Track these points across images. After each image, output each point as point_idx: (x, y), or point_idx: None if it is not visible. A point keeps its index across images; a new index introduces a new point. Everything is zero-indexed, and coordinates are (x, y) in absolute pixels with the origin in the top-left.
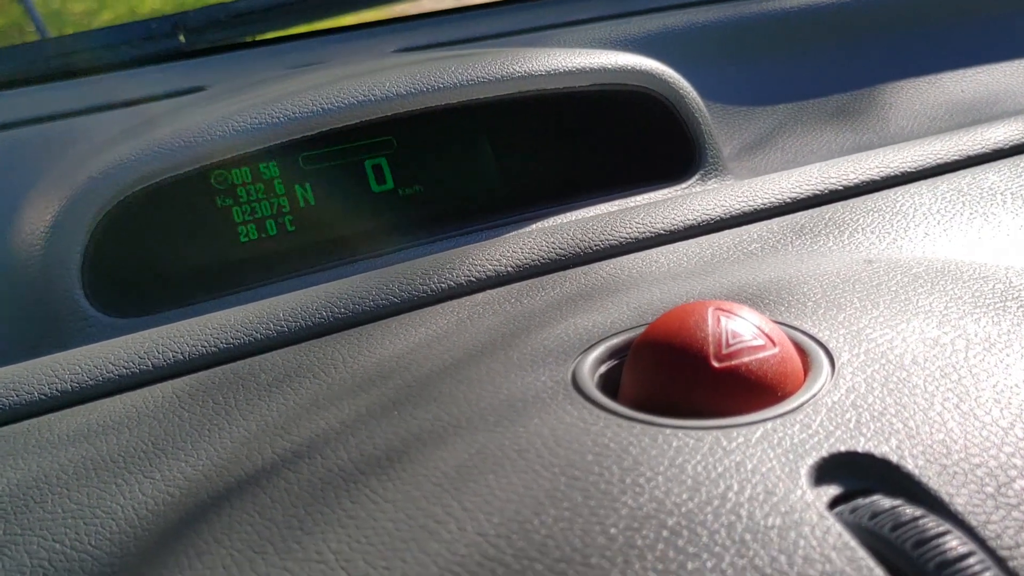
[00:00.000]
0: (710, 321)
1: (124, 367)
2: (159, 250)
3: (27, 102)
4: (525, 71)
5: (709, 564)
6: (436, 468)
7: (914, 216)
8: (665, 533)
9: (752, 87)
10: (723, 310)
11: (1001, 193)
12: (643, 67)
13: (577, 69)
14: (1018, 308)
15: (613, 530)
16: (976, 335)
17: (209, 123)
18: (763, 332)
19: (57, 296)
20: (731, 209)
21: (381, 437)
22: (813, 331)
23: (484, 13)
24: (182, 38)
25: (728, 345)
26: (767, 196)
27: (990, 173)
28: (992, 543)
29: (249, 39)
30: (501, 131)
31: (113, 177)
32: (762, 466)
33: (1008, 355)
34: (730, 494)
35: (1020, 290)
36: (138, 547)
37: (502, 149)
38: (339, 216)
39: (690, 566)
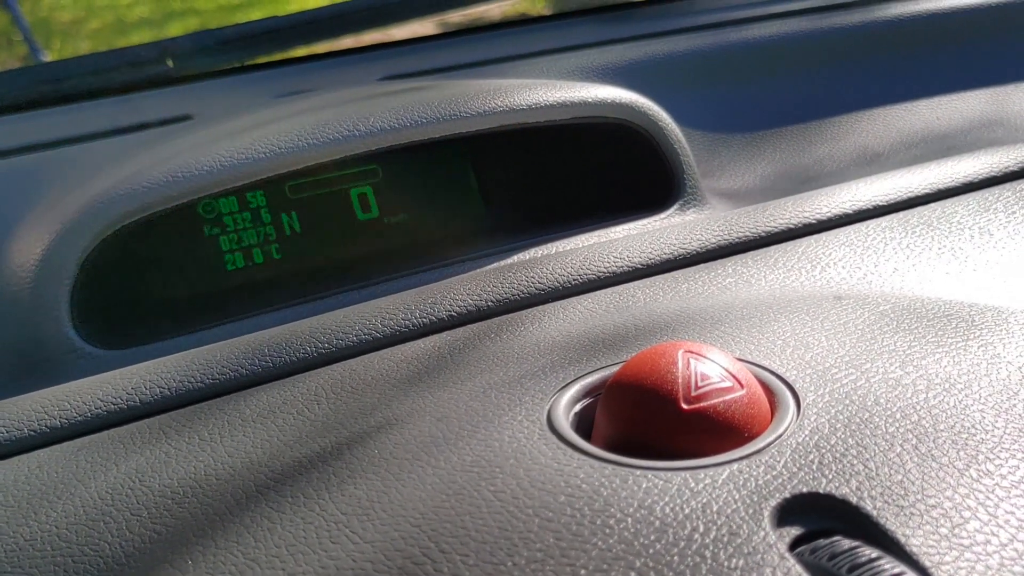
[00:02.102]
0: (680, 363)
1: (112, 403)
2: (148, 282)
3: (13, 130)
4: (507, 105)
5: None
6: (415, 509)
7: (884, 250)
8: (632, 575)
9: (730, 114)
10: (692, 352)
11: (969, 228)
12: (623, 100)
13: (558, 103)
14: (979, 348)
15: (583, 572)
16: (937, 375)
17: (196, 158)
18: (731, 374)
19: (47, 329)
20: (707, 243)
21: (361, 476)
22: (781, 371)
23: (466, 40)
24: (170, 63)
25: (697, 387)
26: (742, 230)
27: (959, 207)
28: None
29: (237, 64)
30: (485, 161)
31: (102, 211)
32: (727, 508)
33: (966, 396)
34: (696, 535)
35: (982, 329)
36: None
37: (486, 179)
38: (325, 244)
39: None
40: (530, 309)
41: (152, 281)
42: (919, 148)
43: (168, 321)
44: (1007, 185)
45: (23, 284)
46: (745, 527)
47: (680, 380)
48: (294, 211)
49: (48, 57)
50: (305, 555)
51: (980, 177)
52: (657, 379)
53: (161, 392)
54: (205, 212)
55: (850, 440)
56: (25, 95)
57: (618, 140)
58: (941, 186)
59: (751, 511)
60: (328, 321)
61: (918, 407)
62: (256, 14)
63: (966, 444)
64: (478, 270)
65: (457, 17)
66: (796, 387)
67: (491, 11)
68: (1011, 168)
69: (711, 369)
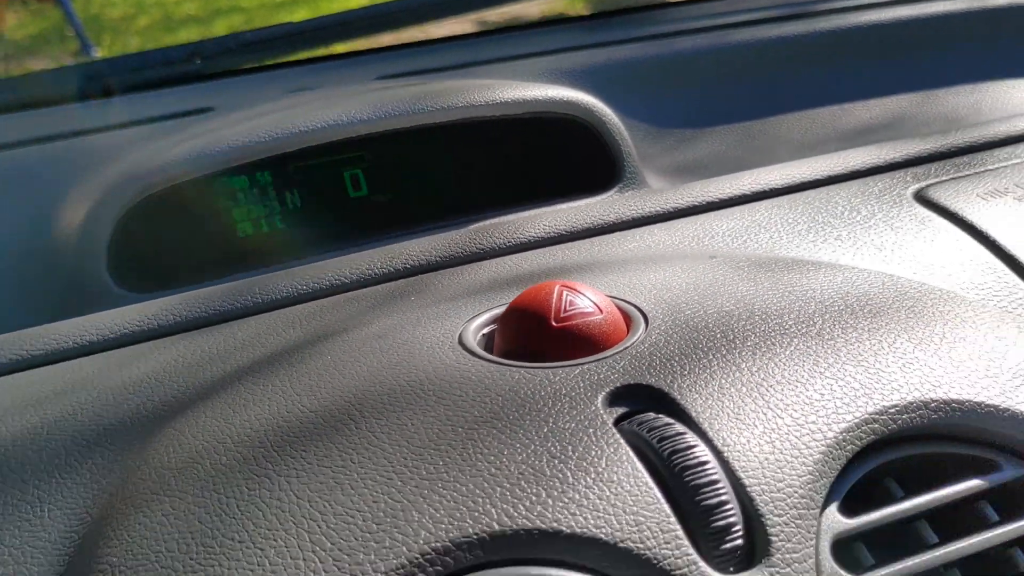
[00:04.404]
0: (555, 294)
1: (137, 325)
2: (171, 241)
3: (62, 118)
4: (471, 101)
5: (519, 447)
6: (351, 389)
7: (766, 224)
8: (496, 430)
9: (675, 113)
10: (567, 287)
11: (842, 207)
12: (570, 98)
13: (514, 100)
14: (797, 288)
15: (461, 429)
16: (757, 309)
17: (214, 140)
18: (595, 303)
19: (88, 275)
20: (621, 216)
21: (316, 370)
22: (640, 304)
23: (451, 45)
24: (198, 62)
25: (565, 311)
26: (653, 206)
27: (841, 191)
28: (727, 453)
29: (255, 64)
30: (456, 149)
31: (136, 181)
32: (572, 392)
33: (775, 323)
34: (544, 408)
35: (805, 274)
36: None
37: (458, 165)
38: (321, 216)
39: (510, 449)
40: (472, 264)
41: (174, 241)
42: (836, 143)
43: (186, 273)
44: (889, 174)
45: (70, 239)
46: (582, 405)
47: (553, 306)
48: (295, 188)
49: (98, 52)
50: (279, 411)
51: (866, 166)
52: (536, 305)
53: (172, 320)
54: (220, 188)
55: (677, 351)
56: (72, 90)
57: (569, 132)
58: (829, 173)
59: (589, 395)
60: (309, 270)
61: (734, 330)
62: (300, 12)
63: (761, 357)
64: (440, 235)
65: (444, 26)
66: (649, 315)
67: (475, 18)
68: (896, 160)
69: (579, 300)
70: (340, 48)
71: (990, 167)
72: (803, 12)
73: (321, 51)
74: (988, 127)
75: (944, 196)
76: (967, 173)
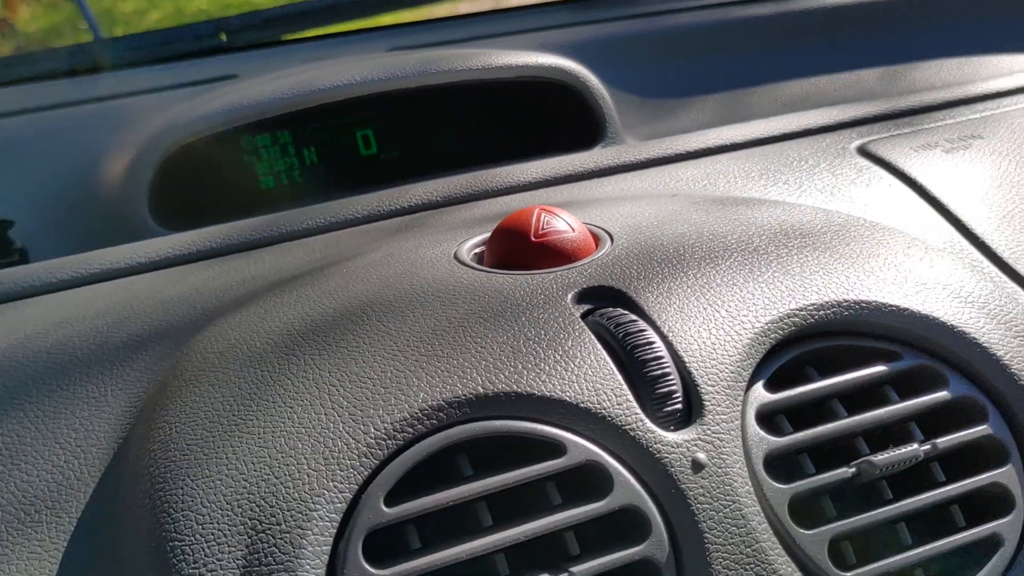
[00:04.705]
0: (534, 216)
1: (178, 251)
2: (203, 188)
3: (103, 85)
4: (472, 65)
5: (501, 333)
6: (362, 291)
7: (725, 172)
8: (483, 320)
9: (655, 84)
10: (546, 210)
11: (795, 157)
12: (559, 64)
13: (509, 65)
14: (743, 216)
15: (454, 319)
16: (706, 230)
17: (242, 97)
18: (568, 224)
19: (131, 213)
20: (600, 165)
21: (336, 280)
22: (608, 227)
23: (457, 22)
24: (223, 37)
25: (543, 229)
26: (628, 157)
27: (793, 146)
28: (671, 337)
29: (276, 39)
30: (457, 111)
31: (174, 131)
32: (547, 292)
33: (715, 242)
34: (523, 304)
35: (752, 208)
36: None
37: (458, 124)
38: (335, 172)
39: (494, 335)
40: (467, 204)
41: (206, 188)
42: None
43: (216, 214)
44: (837, 132)
45: (114, 184)
46: (554, 302)
47: (532, 225)
48: (313, 147)
49: None
50: (303, 311)
51: (816, 125)
52: (518, 224)
53: (210, 246)
54: (246, 145)
55: (635, 262)
56: (110, 59)
57: (558, 95)
58: (784, 131)
59: (560, 294)
60: (326, 208)
61: (685, 246)
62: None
63: (705, 266)
64: (440, 179)
65: (447, 7)
66: (614, 235)
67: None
68: (844, 120)
69: (556, 221)
70: (352, 25)
71: (926, 126)
72: None
73: (335, 28)
74: (926, 94)
75: (882, 149)
76: (905, 132)
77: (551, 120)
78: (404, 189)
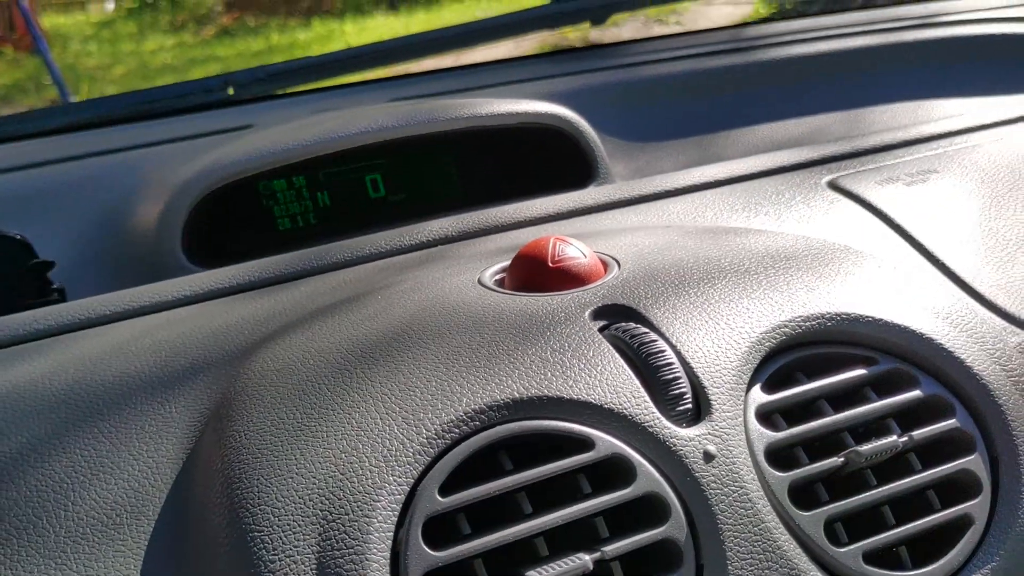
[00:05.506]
0: (551, 244)
1: (203, 287)
2: (228, 230)
3: (128, 136)
4: (474, 113)
5: (530, 347)
6: (397, 315)
7: (712, 206)
8: (511, 337)
9: (640, 128)
10: (560, 239)
11: (771, 194)
12: (554, 111)
13: (508, 112)
14: (733, 243)
15: (480, 339)
16: (703, 256)
17: (259, 147)
18: (581, 251)
19: (165, 254)
20: (598, 201)
21: (369, 310)
22: (615, 255)
23: (454, 74)
24: (231, 91)
25: (559, 256)
26: (622, 194)
27: (770, 182)
28: (679, 346)
29: (281, 92)
30: (463, 157)
31: (204, 178)
32: (567, 310)
33: (711, 266)
34: (546, 321)
35: (740, 236)
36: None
37: (463, 168)
38: (347, 214)
39: (523, 349)
40: (481, 238)
41: (231, 230)
42: (772, 151)
43: (240, 255)
44: (808, 169)
45: (148, 226)
46: (574, 319)
47: (549, 252)
48: (326, 190)
49: (75, 99)
50: (348, 335)
51: (790, 163)
52: (537, 252)
53: (245, 280)
54: (264, 190)
55: (642, 283)
56: (130, 112)
57: (553, 140)
58: (761, 169)
59: (578, 312)
60: (350, 244)
61: (685, 270)
62: (275, 58)
63: (704, 286)
64: (453, 216)
65: (447, 59)
66: (621, 261)
67: (472, 53)
68: (814, 159)
69: (570, 249)
70: (356, 77)
71: (888, 163)
72: (745, 45)
73: (340, 80)
74: (886, 134)
75: (850, 183)
76: (870, 168)
77: (546, 162)
78: (422, 226)
